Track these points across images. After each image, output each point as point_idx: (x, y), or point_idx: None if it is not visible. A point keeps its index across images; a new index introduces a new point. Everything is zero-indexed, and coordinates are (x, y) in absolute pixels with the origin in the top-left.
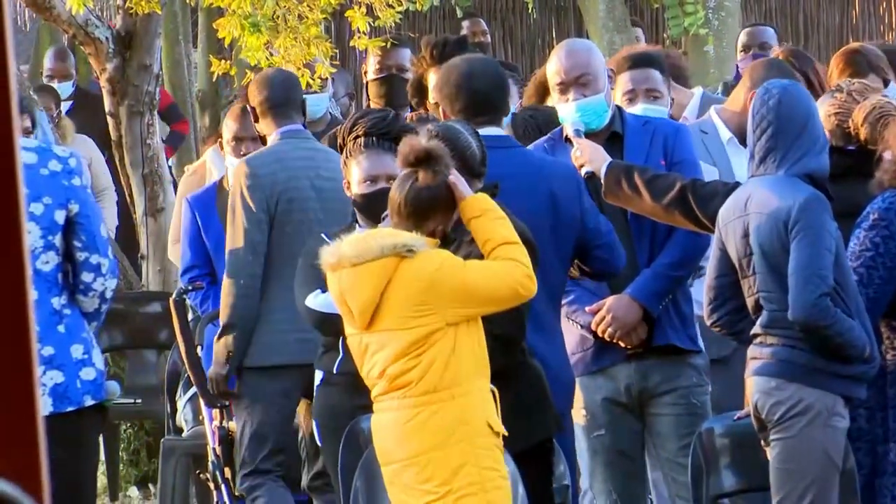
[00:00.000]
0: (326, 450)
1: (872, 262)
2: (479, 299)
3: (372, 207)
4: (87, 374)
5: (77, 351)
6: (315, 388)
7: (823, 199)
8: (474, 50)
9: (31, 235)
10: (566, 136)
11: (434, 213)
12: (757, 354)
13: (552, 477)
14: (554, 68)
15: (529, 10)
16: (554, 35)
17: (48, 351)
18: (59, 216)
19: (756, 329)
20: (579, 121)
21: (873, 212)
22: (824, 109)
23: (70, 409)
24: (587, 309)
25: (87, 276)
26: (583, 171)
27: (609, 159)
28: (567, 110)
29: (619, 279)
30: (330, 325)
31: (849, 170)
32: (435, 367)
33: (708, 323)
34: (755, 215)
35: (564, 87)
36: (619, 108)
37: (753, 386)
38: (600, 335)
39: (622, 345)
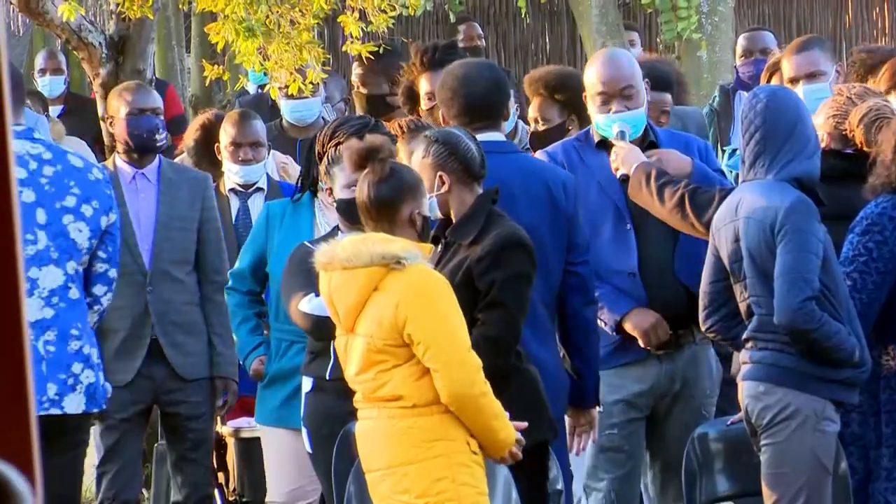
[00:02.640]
0: (318, 456)
1: (866, 267)
2: (431, 345)
3: (354, 213)
4: (101, 378)
5: (96, 354)
6: (304, 394)
7: (810, 203)
8: (464, 54)
9: (80, 234)
10: (599, 140)
11: (402, 201)
12: (747, 359)
13: (547, 481)
14: (596, 77)
15: (522, 15)
16: (547, 40)
17: (87, 350)
18: (103, 222)
19: (747, 334)
20: (626, 124)
21: (866, 217)
22: (824, 112)
23: (94, 410)
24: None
25: (99, 290)
26: (618, 174)
27: (641, 160)
28: (604, 120)
29: (653, 276)
30: (323, 328)
31: (846, 173)
32: (412, 381)
33: (703, 328)
34: (744, 220)
35: (607, 98)
36: (648, 121)
37: (744, 391)
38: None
39: (643, 345)
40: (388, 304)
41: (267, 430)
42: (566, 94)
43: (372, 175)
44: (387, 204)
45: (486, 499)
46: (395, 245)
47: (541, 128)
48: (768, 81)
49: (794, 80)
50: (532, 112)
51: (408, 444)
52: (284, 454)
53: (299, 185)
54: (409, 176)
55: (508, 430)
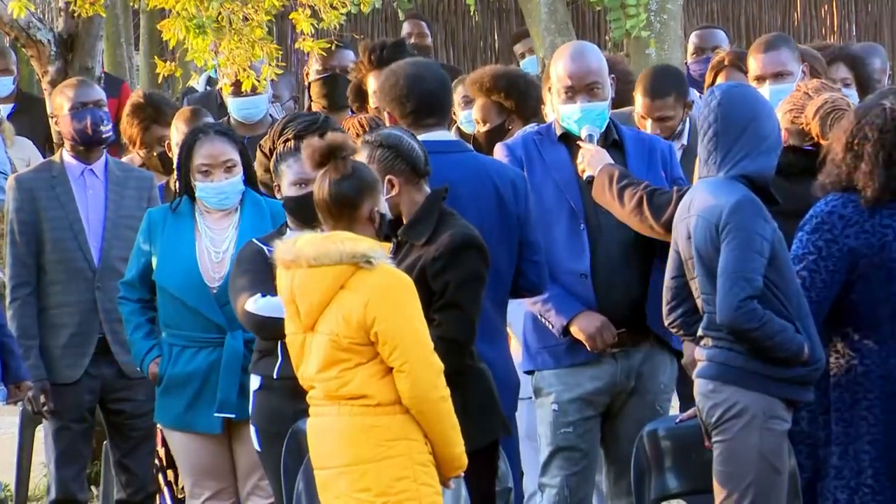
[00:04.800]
0: (267, 455)
1: (815, 265)
2: (398, 345)
3: (302, 210)
4: None
5: None
6: (252, 393)
7: (756, 202)
8: (413, 52)
9: None
10: (561, 133)
11: (362, 198)
12: (699, 357)
13: (496, 479)
14: (563, 71)
15: (471, 13)
16: (496, 37)
17: None
18: None
19: (699, 331)
20: (595, 126)
21: (816, 215)
22: (782, 108)
23: None
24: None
25: None
26: (584, 176)
27: (606, 162)
28: (570, 111)
29: (605, 278)
30: (270, 328)
31: (804, 169)
32: (376, 380)
33: (666, 323)
34: (694, 218)
35: (573, 92)
36: (612, 120)
37: (696, 388)
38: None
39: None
40: (356, 303)
41: (173, 434)
42: (501, 95)
43: (333, 173)
44: (347, 202)
45: (440, 499)
46: (364, 244)
47: (482, 129)
48: (713, 81)
49: (760, 79)
50: (474, 114)
51: (370, 443)
52: (190, 459)
53: (176, 192)
54: (368, 174)
55: (463, 449)
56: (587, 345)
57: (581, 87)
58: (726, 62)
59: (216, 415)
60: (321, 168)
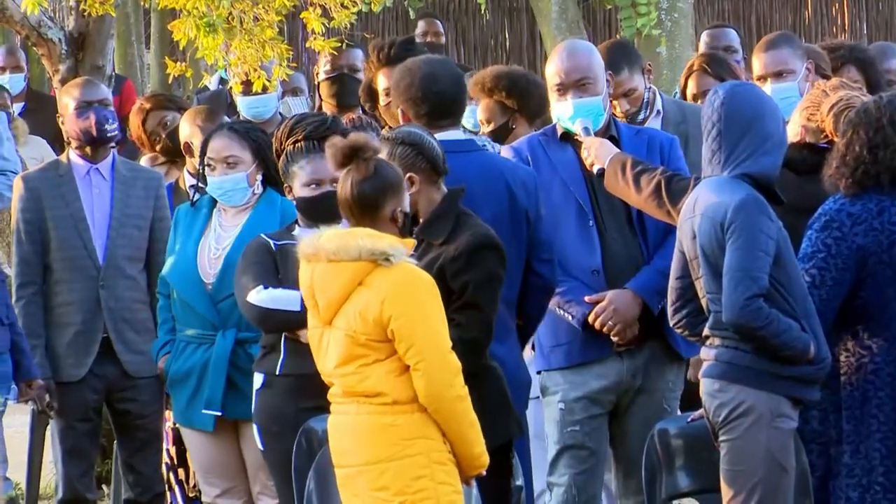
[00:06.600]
0: (269, 454)
1: (825, 263)
2: (414, 343)
3: (315, 210)
4: None
5: None
6: (255, 391)
7: (761, 201)
8: (423, 50)
9: None
10: (562, 132)
11: (385, 199)
12: (705, 356)
13: (510, 478)
14: (553, 69)
15: (482, 11)
16: (507, 36)
17: None
18: None
19: (705, 331)
20: (588, 118)
21: (825, 213)
22: (800, 105)
23: None
24: (587, 299)
25: None
26: (594, 170)
27: (614, 152)
28: (563, 108)
29: (617, 274)
30: (272, 320)
31: (817, 166)
32: (393, 377)
33: (671, 324)
34: (699, 217)
35: (563, 89)
36: (613, 117)
37: (702, 388)
38: (598, 328)
39: (614, 339)
40: (373, 300)
41: (185, 431)
42: (503, 94)
43: (356, 173)
44: (369, 202)
45: (461, 497)
46: (384, 241)
47: (486, 129)
48: (684, 86)
49: (762, 79)
50: (479, 114)
51: (387, 442)
52: (198, 455)
53: (196, 189)
54: (391, 174)
55: (484, 449)
56: (613, 322)
57: (570, 84)
58: (695, 67)
59: (204, 411)
60: (343, 168)
